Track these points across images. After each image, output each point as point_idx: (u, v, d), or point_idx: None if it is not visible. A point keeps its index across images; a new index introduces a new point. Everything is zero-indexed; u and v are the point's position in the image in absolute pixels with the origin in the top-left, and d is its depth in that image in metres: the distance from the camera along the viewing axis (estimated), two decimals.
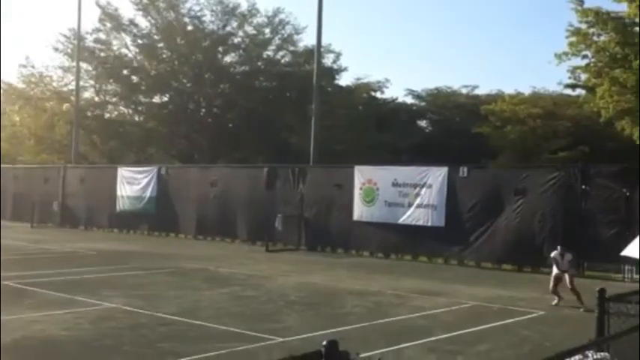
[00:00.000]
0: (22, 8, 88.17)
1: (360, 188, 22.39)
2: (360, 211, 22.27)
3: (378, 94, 43.30)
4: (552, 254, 14.08)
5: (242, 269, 18.20)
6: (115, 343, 9.78)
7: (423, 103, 43.57)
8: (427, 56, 76.52)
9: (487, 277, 17.85)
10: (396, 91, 77.29)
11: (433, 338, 10.46)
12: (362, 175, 22.56)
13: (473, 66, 72.67)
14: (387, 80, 42.87)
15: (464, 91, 42.92)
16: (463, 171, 20.72)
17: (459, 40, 76.38)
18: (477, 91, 42.64)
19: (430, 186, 20.87)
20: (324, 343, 5.80)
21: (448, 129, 39.54)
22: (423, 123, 44.66)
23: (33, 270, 17.28)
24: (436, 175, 20.89)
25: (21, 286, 14.42)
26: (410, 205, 21.17)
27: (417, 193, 21.05)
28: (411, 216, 21.12)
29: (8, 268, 17.32)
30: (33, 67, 42.58)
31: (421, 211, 20.91)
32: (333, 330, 10.33)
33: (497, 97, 37.82)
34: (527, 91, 38.76)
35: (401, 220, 21.31)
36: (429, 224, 20.77)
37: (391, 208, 21.57)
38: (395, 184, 21.63)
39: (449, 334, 10.69)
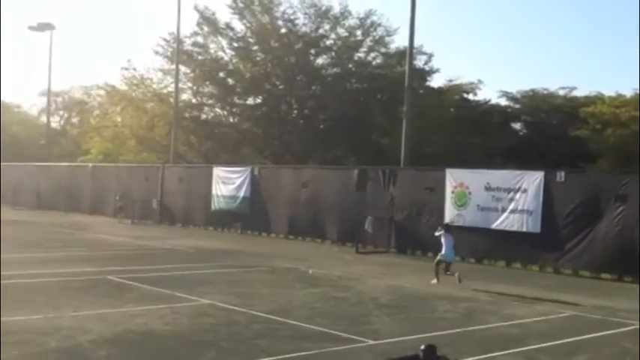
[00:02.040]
0: (124, 14, 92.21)
1: (452, 192, 22.12)
2: (451, 214, 22.01)
3: (471, 96, 42.68)
4: None
5: (333, 270, 18.37)
6: (212, 338, 10.12)
7: (517, 105, 42.53)
8: (522, 57, 74.62)
9: (585, 286, 17.26)
10: (489, 93, 75.92)
11: (527, 348, 10.23)
12: (454, 178, 22.28)
13: (570, 67, 70.32)
14: (480, 82, 42.23)
15: (561, 92, 41.63)
16: (560, 175, 20.09)
17: (556, 40, 74.04)
18: (575, 93, 41.25)
19: (525, 190, 20.36)
20: (422, 347, 5.84)
21: (544, 132, 38.45)
22: (517, 125, 43.62)
23: (134, 265, 18.06)
24: (532, 180, 20.36)
25: (123, 281, 15.12)
26: (504, 209, 20.73)
27: (512, 198, 20.58)
28: (505, 221, 20.67)
29: (111, 263, 18.24)
30: (135, 69, 44.43)
31: (516, 217, 20.44)
32: (424, 335, 10.30)
33: (596, 99, 36.48)
34: (628, 92, 37.17)
35: (494, 225, 20.90)
36: (524, 230, 20.27)
37: (484, 212, 21.19)
38: (488, 188, 21.24)
39: (544, 344, 10.43)
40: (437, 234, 16.67)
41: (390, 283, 16.15)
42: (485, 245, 21.26)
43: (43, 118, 56.36)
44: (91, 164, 41.01)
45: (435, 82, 43.32)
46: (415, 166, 25.93)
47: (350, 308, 13.02)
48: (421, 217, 23.02)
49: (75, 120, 64.25)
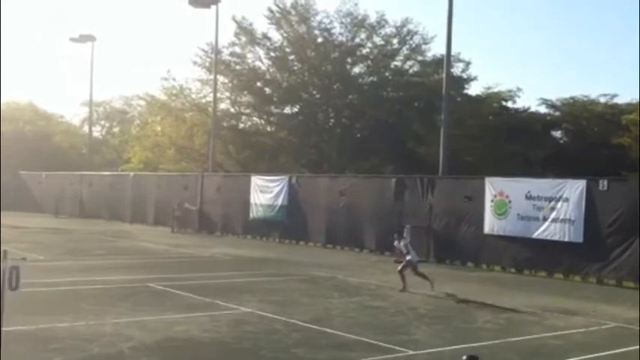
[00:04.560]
0: (164, 25, 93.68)
1: (492, 201, 21.89)
2: (491, 224, 21.77)
3: (509, 104, 42.16)
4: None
5: (371, 279, 18.33)
6: (252, 346, 10.19)
7: (557, 113, 41.89)
8: (561, 64, 73.60)
9: (629, 297, 16.88)
10: (529, 101, 74.84)
11: None
12: (493, 187, 22.05)
13: (611, 74, 69.10)
14: (519, 89, 41.67)
15: (602, 100, 40.87)
16: (603, 184, 19.72)
17: (596, 46, 72.88)
18: (617, 100, 40.46)
19: (567, 199, 20.04)
20: (465, 357, 5.80)
21: (585, 140, 37.79)
22: (557, 133, 42.92)
23: (174, 273, 18.28)
24: (573, 188, 20.03)
25: (163, 288, 15.32)
26: (545, 219, 20.42)
27: (553, 207, 20.27)
28: (546, 230, 20.36)
29: (151, 270, 18.49)
30: (174, 80, 45.03)
31: (557, 226, 20.12)
32: (464, 345, 10.22)
33: (638, 107, 35.69)
34: None
35: (535, 235, 20.60)
36: (566, 239, 19.93)
37: (524, 221, 20.92)
38: (528, 197, 20.96)
39: (586, 356, 10.26)
40: (400, 243, 16.57)
41: (428, 292, 16.04)
42: (526, 255, 20.98)
43: (86, 128, 57.48)
44: (132, 173, 41.66)
45: (473, 89, 43.00)
46: (454, 175, 25.74)
47: (389, 318, 12.97)
48: (460, 226, 22.82)
49: (116, 129, 65.39)
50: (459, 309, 14.33)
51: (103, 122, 66.83)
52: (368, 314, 13.29)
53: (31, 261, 15.93)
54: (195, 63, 43.37)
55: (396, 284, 17.36)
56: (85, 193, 41.92)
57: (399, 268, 16.17)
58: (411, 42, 41.88)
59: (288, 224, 28.75)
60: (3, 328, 7.46)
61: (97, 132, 62.89)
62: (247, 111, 45.14)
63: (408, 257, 16.16)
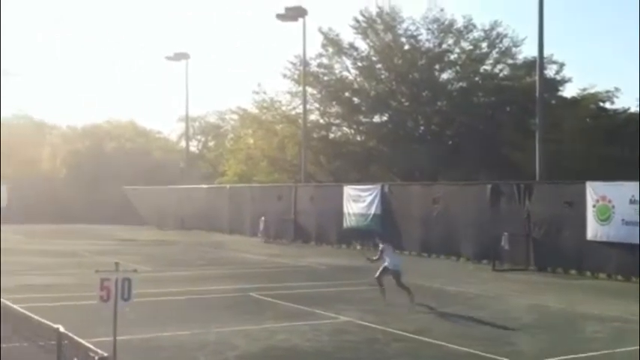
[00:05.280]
0: (253, 40, 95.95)
1: (594, 206, 21.07)
2: (594, 230, 20.97)
3: (607, 105, 40.55)
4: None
5: (469, 288, 18.03)
6: (353, 356, 10.25)
7: None
8: None
9: None
10: (628, 101, 71.58)
11: None
12: (594, 191, 21.23)
13: None
14: (617, 89, 40.00)
15: None
16: None
17: None
18: None
19: None
20: None
21: None
22: None
23: (273, 282, 18.61)
24: None
25: (263, 298, 15.64)
26: None
27: None
28: None
29: (251, 280, 18.90)
30: (265, 93, 45.95)
31: None
32: (574, 356, 9.92)
33: None
34: None
35: None
36: None
37: (629, 227, 19.98)
38: (633, 202, 20.03)
39: None
40: (379, 247, 15.73)
41: (530, 302, 15.64)
42: (633, 262, 20.04)
43: (183, 143, 59.56)
44: (228, 185, 42.75)
45: (568, 91, 41.65)
46: (552, 180, 24.97)
47: (490, 327, 12.72)
48: (561, 232, 22.10)
49: (211, 143, 67.35)
50: (563, 318, 13.88)
51: (198, 137, 69.02)
52: (468, 324, 13.08)
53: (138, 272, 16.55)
54: (284, 75, 44.17)
55: (496, 293, 17.06)
56: (185, 206, 43.33)
57: (377, 274, 15.22)
58: (500, 45, 41.09)
59: (381, 233, 28.65)
60: (117, 337, 7.85)
61: (193, 146, 65.04)
62: (337, 121, 45.45)
63: (385, 264, 15.15)
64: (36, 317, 7.09)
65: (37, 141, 58.12)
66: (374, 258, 15.82)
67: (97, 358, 5.37)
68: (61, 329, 6.22)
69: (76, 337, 5.94)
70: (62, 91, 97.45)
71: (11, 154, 53.46)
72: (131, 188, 49.49)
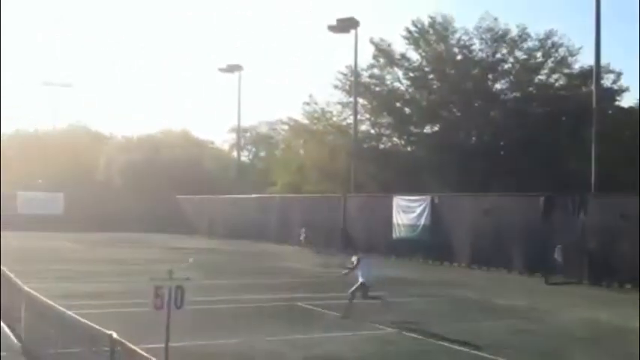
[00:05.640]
0: (304, 51, 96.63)
1: None
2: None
3: None
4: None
5: (520, 300, 17.72)
6: None
7: None
8: None
9: None
10: None
11: None
12: None
13: None
14: None
15: None
16: None
17: None
18: None
19: None
20: None
21: None
22: None
23: (320, 292, 18.65)
24: None
25: (310, 307, 15.70)
26: None
27: None
28: None
29: (299, 290, 18.97)
30: (316, 104, 46.28)
31: None
32: None
33: None
34: None
35: None
36: None
37: None
38: None
39: None
40: (348, 268, 15.27)
41: (584, 315, 15.28)
42: None
43: (234, 153, 60.37)
44: (277, 195, 43.07)
45: (625, 101, 40.71)
46: (608, 192, 24.38)
47: (543, 342, 12.47)
48: (616, 246, 21.54)
49: (262, 154, 68.07)
50: (618, 334, 13.51)
51: (249, 147, 69.83)
52: (520, 337, 12.86)
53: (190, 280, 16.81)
54: (335, 87, 44.37)
55: (548, 307, 16.74)
56: (235, 215, 43.83)
57: (352, 288, 14.62)
58: (555, 54, 40.46)
59: (431, 244, 28.48)
60: (170, 344, 8.01)
61: (244, 157, 65.81)
62: (387, 132, 45.38)
63: (362, 279, 14.59)
64: (90, 323, 7.30)
65: (93, 151, 59.72)
66: (345, 271, 15.40)
67: None
68: (115, 335, 6.39)
69: (128, 344, 6.08)
70: (118, 102, 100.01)
71: (68, 163, 55.10)
72: (183, 197, 50.33)
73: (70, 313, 8.09)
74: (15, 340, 10.77)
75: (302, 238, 34.68)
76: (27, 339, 10.20)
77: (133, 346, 6.05)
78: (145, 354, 5.71)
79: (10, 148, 59.12)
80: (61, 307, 8.53)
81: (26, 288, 10.47)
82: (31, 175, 54.31)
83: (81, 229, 44.17)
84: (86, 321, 7.47)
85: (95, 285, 19.12)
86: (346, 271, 15.45)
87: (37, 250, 30.92)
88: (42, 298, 9.45)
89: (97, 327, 7.07)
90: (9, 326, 11.55)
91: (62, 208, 52.91)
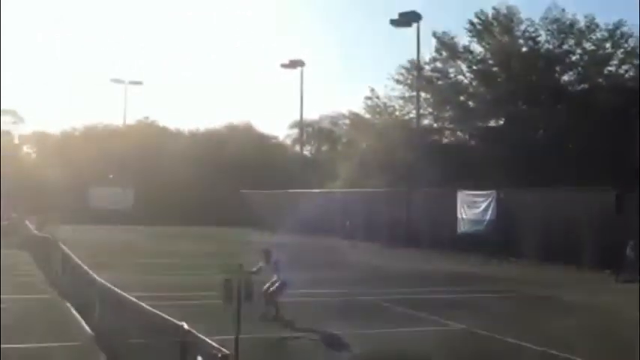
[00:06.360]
0: (366, 46, 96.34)
1: None
2: None
3: None
4: None
5: (591, 298, 17.26)
6: None
7: None
8: None
9: None
10: None
11: None
12: None
13: None
14: None
15: None
16: None
17: None
18: None
19: None
20: None
21: None
22: None
23: (386, 288, 18.65)
24: None
25: (377, 302, 15.71)
26: None
27: None
28: None
29: (363, 285, 18.99)
30: (377, 98, 46.09)
31: None
32: None
33: None
34: None
35: None
36: None
37: None
38: None
39: None
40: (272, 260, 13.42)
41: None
42: None
43: (297, 148, 60.73)
44: (340, 190, 43.15)
45: None
46: None
47: (617, 340, 12.12)
48: None
49: (324, 148, 68.27)
50: None
51: (312, 142, 70.10)
52: (593, 336, 12.51)
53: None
54: (397, 81, 44.08)
55: (619, 305, 16.26)
56: (298, 210, 44.10)
57: (271, 289, 13.15)
58: (625, 45, 39.18)
59: (497, 239, 28.02)
60: (240, 336, 8.17)
61: (307, 151, 66.08)
62: (450, 126, 44.84)
63: (280, 281, 13.19)
64: (161, 314, 7.50)
65: (161, 146, 61.11)
66: (254, 270, 12.25)
67: (219, 355, 5.59)
68: (186, 327, 6.55)
69: (199, 335, 6.22)
70: (184, 98, 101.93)
71: (137, 158, 56.60)
72: (248, 192, 51.00)
73: (142, 304, 8.33)
74: (89, 331, 11.16)
75: (347, 231, 34.86)
76: (100, 329, 10.54)
77: (204, 337, 6.18)
78: (216, 344, 5.82)
79: (82, 145, 61.19)
80: (133, 299, 8.79)
81: (100, 280, 10.83)
82: (102, 170, 56.02)
83: (150, 223, 45.38)
84: (158, 312, 7.67)
85: (166, 277, 19.63)
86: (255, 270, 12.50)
87: (108, 243, 31.91)
88: (115, 289, 9.76)
89: (169, 318, 7.25)
90: (84, 317, 11.98)
91: (132, 203, 54.48)
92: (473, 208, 29.46)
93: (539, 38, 40.16)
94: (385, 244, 33.40)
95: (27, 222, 27.95)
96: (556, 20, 39.48)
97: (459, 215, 30.07)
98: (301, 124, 55.58)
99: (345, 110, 63.03)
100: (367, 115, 47.51)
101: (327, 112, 69.86)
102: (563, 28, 39.68)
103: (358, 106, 55.72)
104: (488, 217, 28.50)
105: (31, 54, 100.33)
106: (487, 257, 28.31)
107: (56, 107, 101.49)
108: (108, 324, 10.00)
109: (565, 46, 40.16)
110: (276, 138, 69.93)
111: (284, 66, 51.43)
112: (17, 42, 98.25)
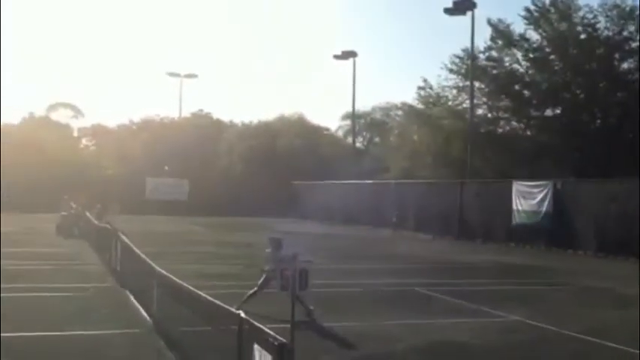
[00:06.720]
0: (419, 35, 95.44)
1: None
2: None
3: None
4: None
5: None
6: (524, 355, 10.01)
7: None
8: None
9: None
10: None
11: None
12: None
13: None
14: None
15: None
16: None
17: None
18: None
19: None
20: None
21: None
22: None
23: (439, 279, 18.54)
24: None
25: (429, 293, 15.64)
26: None
27: None
28: None
29: (416, 275, 18.93)
30: (430, 88, 45.59)
31: None
32: None
33: None
34: None
35: None
36: None
37: None
38: None
39: None
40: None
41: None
42: None
43: (349, 139, 60.69)
44: (393, 181, 42.99)
45: None
46: None
47: None
48: None
49: (377, 139, 68.03)
50: None
51: (364, 133, 69.94)
52: None
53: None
54: (451, 70, 43.52)
55: None
56: (350, 201, 44.17)
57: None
58: None
59: (553, 231, 27.53)
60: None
61: (359, 142, 65.98)
62: (505, 115, 44.09)
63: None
64: (218, 303, 7.66)
65: (215, 138, 61.97)
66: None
67: (276, 343, 5.68)
68: (242, 315, 6.68)
69: (256, 323, 6.33)
70: (238, 90, 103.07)
71: (192, 150, 57.58)
72: (300, 183, 51.29)
73: (199, 292, 8.51)
74: (148, 318, 11.46)
75: (394, 222, 34.81)
76: (158, 317, 10.81)
77: (260, 325, 6.28)
78: (272, 332, 5.91)
79: (139, 137, 62.59)
80: (191, 287, 8.98)
81: (158, 269, 11.10)
82: (158, 162, 57.18)
83: (205, 214, 46.16)
84: (215, 300, 7.83)
85: (223, 267, 19.95)
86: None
87: (166, 233, 32.61)
88: (173, 278, 9.99)
89: (226, 306, 7.40)
90: (142, 305, 12.31)
91: (187, 194, 55.49)
92: (529, 199, 28.96)
93: (597, 25, 39.13)
94: (438, 236, 33.18)
95: (87, 213, 28.76)
96: (615, 6, 38.41)
97: (514, 206, 29.60)
98: (353, 116, 55.50)
99: (397, 101, 62.75)
100: (420, 106, 47.06)
101: (380, 103, 69.59)
102: (623, 14, 38.52)
103: (411, 97, 55.49)
104: (544, 208, 27.98)
105: (90, 49, 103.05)
106: (543, 249, 27.88)
107: (114, 101, 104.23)
108: (166, 312, 10.24)
109: (625, 33, 39.00)
110: (328, 130, 70.04)
111: (337, 57, 51.41)
112: (76, 37, 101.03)
